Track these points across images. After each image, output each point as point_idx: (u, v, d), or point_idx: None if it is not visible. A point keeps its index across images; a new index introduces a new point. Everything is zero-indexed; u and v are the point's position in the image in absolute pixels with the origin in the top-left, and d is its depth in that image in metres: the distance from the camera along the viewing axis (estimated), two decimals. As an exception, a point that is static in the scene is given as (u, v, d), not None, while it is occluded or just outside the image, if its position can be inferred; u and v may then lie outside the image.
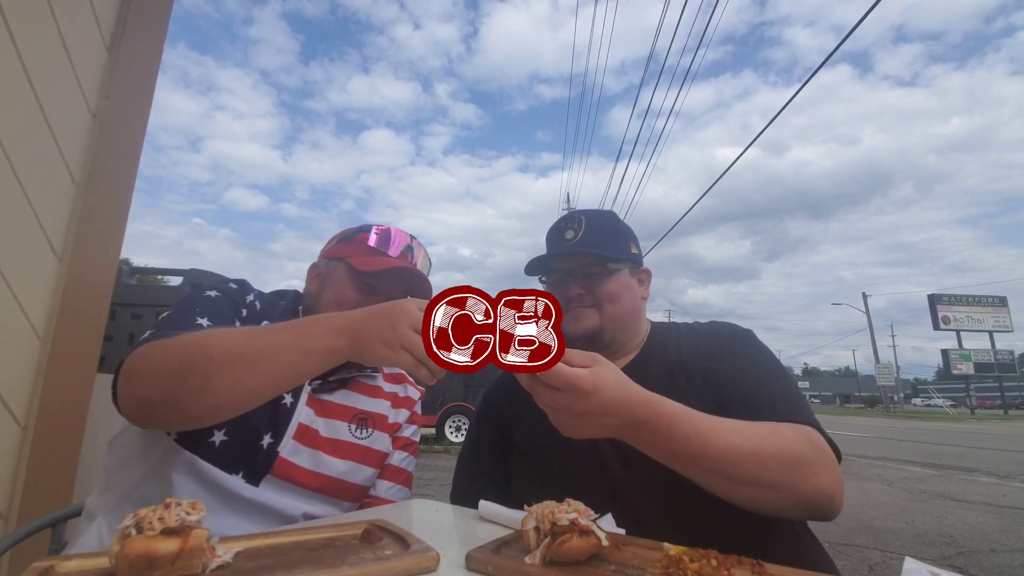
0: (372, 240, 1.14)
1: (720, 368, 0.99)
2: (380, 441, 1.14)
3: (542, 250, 1.21)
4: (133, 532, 0.51)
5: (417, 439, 1.27)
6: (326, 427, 1.07)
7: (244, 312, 1.04)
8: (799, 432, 0.81)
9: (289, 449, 1.00)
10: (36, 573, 0.53)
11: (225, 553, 0.59)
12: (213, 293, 1.02)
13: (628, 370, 1.00)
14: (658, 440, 0.74)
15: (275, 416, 1.00)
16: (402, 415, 1.22)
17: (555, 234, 1.16)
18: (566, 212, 1.19)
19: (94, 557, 0.58)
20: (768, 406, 0.89)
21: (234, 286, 1.08)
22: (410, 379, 1.29)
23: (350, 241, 1.15)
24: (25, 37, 1.41)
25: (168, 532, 0.52)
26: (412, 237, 1.19)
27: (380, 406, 1.18)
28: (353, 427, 1.11)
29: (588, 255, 1.10)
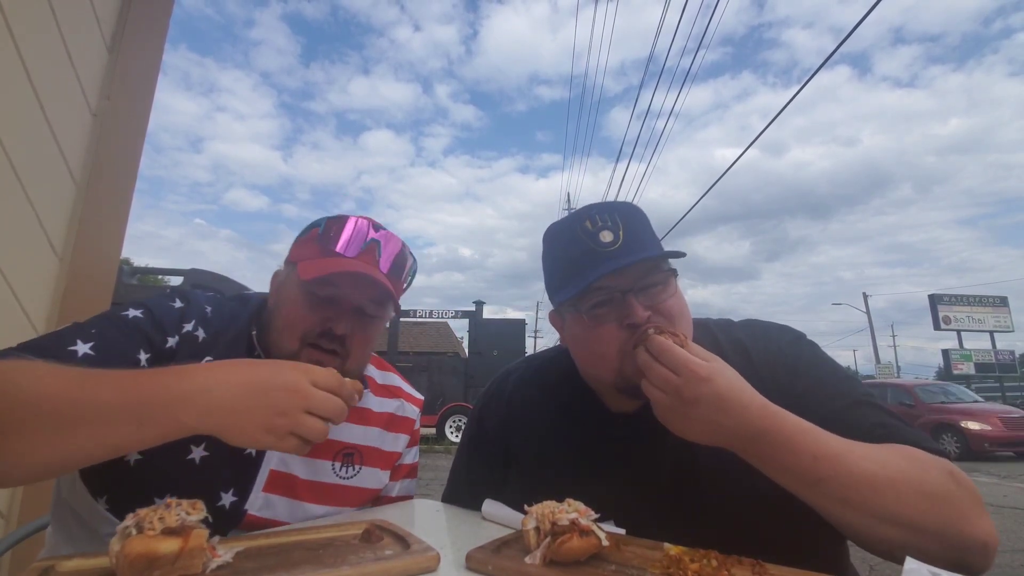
0: (323, 238, 0.88)
1: (797, 388, 0.83)
2: (369, 478, 0.98)
3: (541, 251, 0.94)
4: (133, 532, 0.51)
5: (417, 459, 1.13)
6: (306, 468, 0.91)
7: (170, 343, 0.81)
8: (938, 464, 0.68)
9: (260, 504, 0.85)
10: (36, 573, 0.53)
11: (225, 553, 0.59)
12: (132, 313, 0.81)
13: None
14: (777, 456, 0.66)
15: (235, 470, 0.84)
16: (401, 441, 1.05)
17: (583, 238, 0.84)
18: (573, 209, 0.89)
19: (94, 557, 0.58)
20: (884, 433, 0.76)
21: (176, 305, 0.86)
22: (406, 390, 1.10)
23: (304, 240, 0.91)
24: (26, 37, 1.41)
25: (168, 532, 0.52)
26: (379, 229, 0.90)
27: (370, 436, 1.00)
28: (337, 465, 0.94)
29: (646, 262, 0.83)
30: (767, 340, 0.91)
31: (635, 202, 0.99)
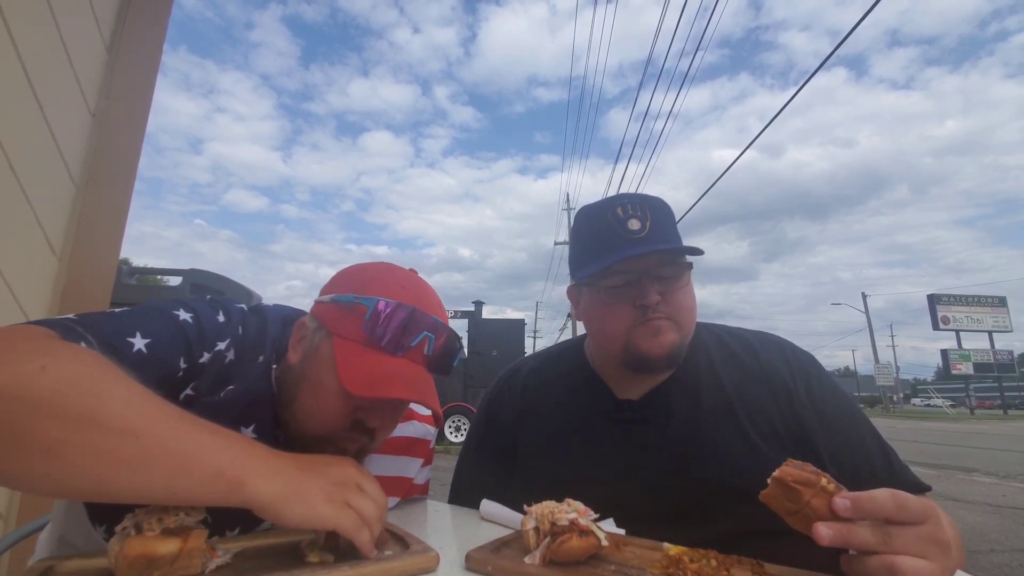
0: (369, 324, 0.76)
1: (806, 400, 0.88)
2: None
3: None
4: (132, 532, 0.51)
5: (429, 477, 1.10)
6: None
7: (204, 358, 0.76)
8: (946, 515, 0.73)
9: None
10: (36, 573, 0.53)
11: (225, 554, 0.59)
12: (183, 315, 0.76)
13: (668, 388, 0.93)
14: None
15: (244, 508, 0.81)
16: (414, 465, 1.02)
17: (613, 223, 0.91)
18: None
19: (94, 557, 0.58)
20: (890, 476, 0.82)
21: (220, 319, 0.81)
22: (418, 410, 1.04)
23: (346, 311, 0.78)
24: (25, 37, 1.41)
25: (168, 532, 0.52)
26: (431, 319, 0.79)
27: (381, 464, 0.96)
28: None
29: (665, 252, 0.89)
30: (780, 349, 0.96)
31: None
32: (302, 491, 0.59)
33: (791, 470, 0.56)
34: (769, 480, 0.57)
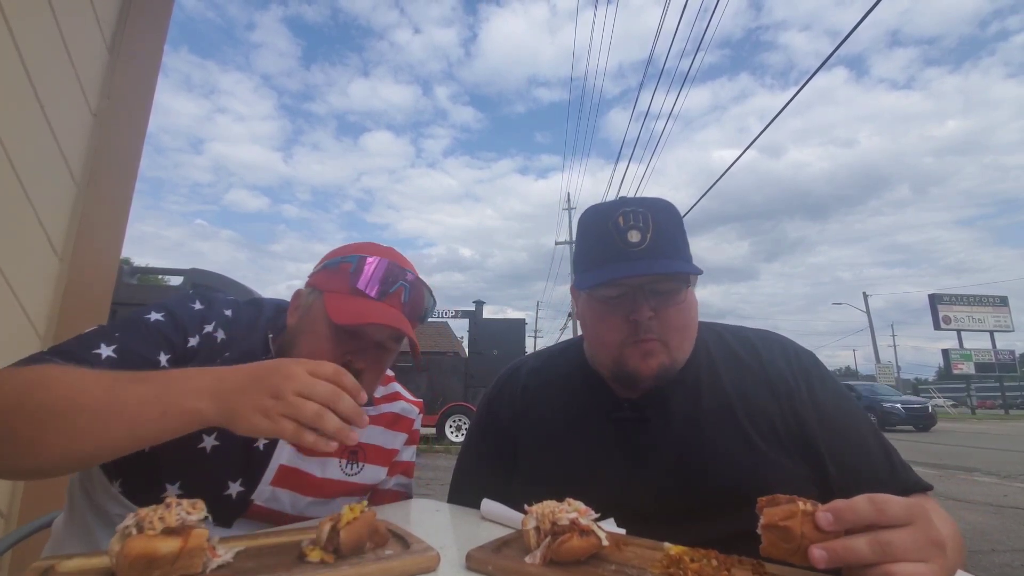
0: (354, 276, 0.90)
1: (807, 401, 0.88)
2: (370, 474, 1.03)
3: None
4: (133, 531, 0.51)
5: (414, 458, 1.16)
6: (316, 465, 0.95)
7: (192, 342, 0.87)
8: (945, 511, 0.73)
9: (267, 496, 0.89)
10: (36, 573, 0.53)
11: (226, 553, 0.59)
12: (154, 317, 0.86)
13: (668, 388, 0.92)
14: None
15: (246, 461, 0.88)
16: (399, 439, 1.10)
17: (613, 232, 0.89)
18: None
19: (94, 557, 0.58)
20: (892, 476, 0.83)
21: (197, 307, 0.91)
22: (404, 394, 1.15)
23: (334, 271, 0.92)
24: (26, 37, 1.41)
25: (168, 532, 0.52)
26: (407, 272, 0.94)
27: (372, 434, 1.04)
28: (344, 462, 0.99)
29: (665, 273, 0.87)
30: (782, 348, 0.96)
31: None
32: (237, 410, 0.66)
33: (772, 510, 0.56)
34: (760, 532, 0.57)
